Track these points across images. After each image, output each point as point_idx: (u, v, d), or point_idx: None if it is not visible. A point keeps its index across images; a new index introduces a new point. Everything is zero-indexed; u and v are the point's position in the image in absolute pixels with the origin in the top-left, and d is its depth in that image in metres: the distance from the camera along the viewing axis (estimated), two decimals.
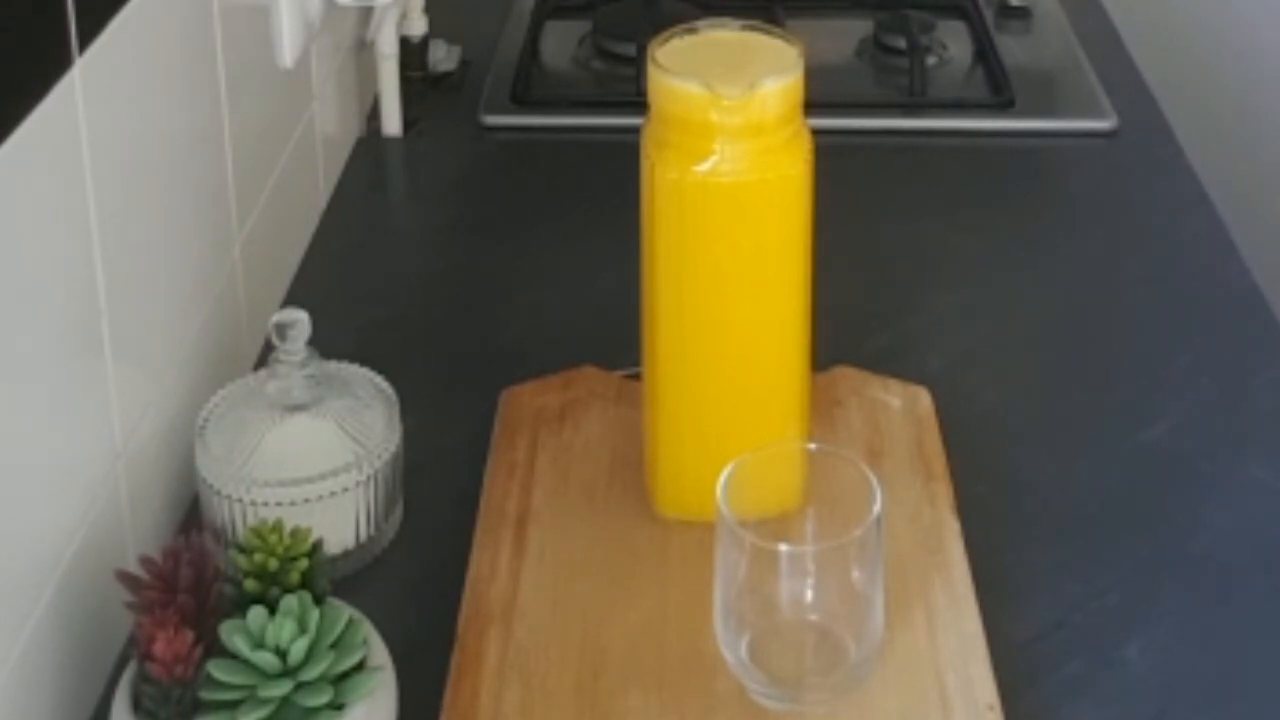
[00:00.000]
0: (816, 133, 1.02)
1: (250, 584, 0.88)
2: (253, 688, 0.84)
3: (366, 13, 1.56)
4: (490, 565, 1.03)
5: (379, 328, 1.31)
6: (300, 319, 1.04)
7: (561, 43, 1.78)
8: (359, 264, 1.41)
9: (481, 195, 1.52)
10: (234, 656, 0.85)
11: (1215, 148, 1.84)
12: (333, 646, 0.87)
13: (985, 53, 1.74)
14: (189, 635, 0.84)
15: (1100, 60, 1.74)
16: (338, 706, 0.86)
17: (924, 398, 1.18)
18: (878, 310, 1.33)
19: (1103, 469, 1.16)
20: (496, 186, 1.54)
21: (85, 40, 0.94)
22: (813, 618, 0.95)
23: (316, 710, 0.85)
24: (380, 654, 0.90)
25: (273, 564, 0.88)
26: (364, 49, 1.58)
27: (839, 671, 0.94)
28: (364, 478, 1.04)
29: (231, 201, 1.21)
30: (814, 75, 1.01)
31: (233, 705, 0.84)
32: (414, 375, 1.18)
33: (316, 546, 0.90)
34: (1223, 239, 1.44)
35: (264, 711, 0.84)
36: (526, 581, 1.02)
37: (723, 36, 1.04)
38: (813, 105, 1.02)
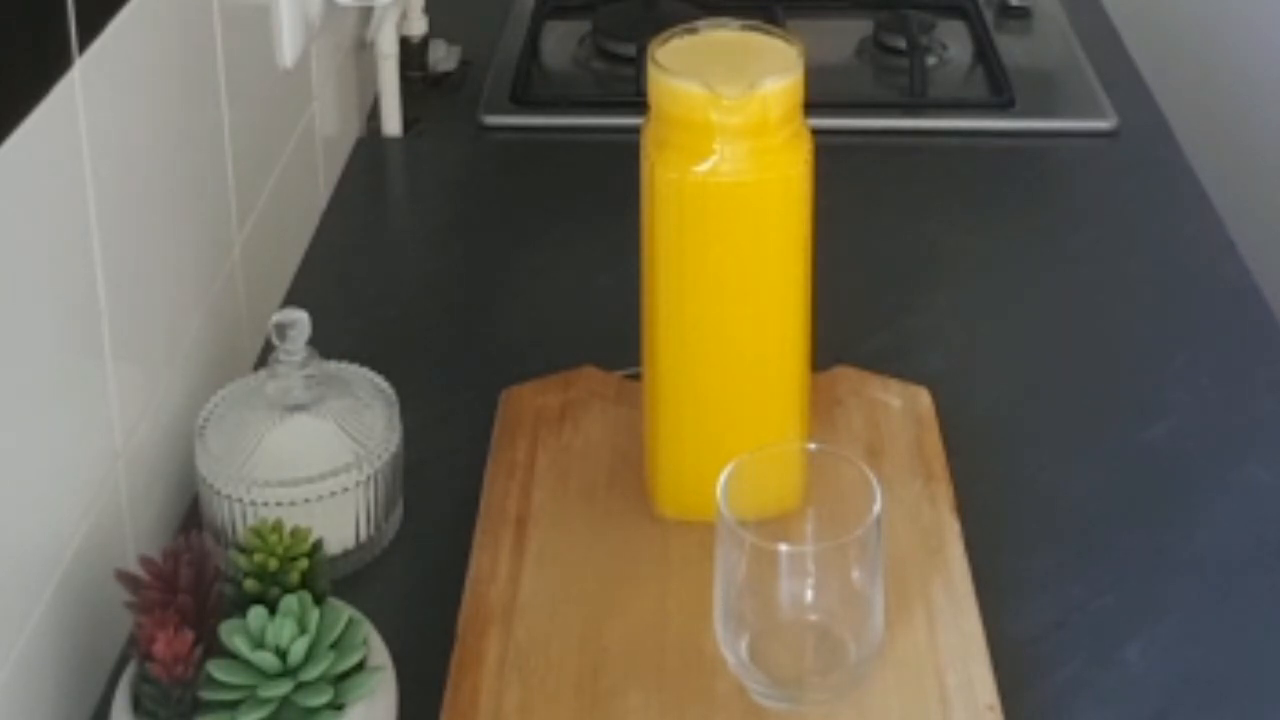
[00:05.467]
0: (816, 133, 1.02)
1: (250, 584, 0.88)
2: (253, 688, 0.84)
3: (366, 13, 1.56)
4: (490, 565, 1.03)
5: (379, 328, 1.31)
6: (300, 319, 1.04)
7: (561, 43, 1.78)
8: (359, 264, 1.41)
9: (481, 195, 1.53)
10: (234, 656, 0.85)
11: (1215, 148, 1.84)
12: (333, 646, 0.87)
13: (985, 53, 1.74)
14: (189, 635, 0.84)
15: (1100, 60, 1.74)
16: (338, 706, 0.86)
17: (924, 398, 1.18)
18: (878, 310, 1.33)
19: (1103, 469, 1.16)
20: (496, 186, 1.54)
21: (85, 40, 0.94)
22: (813, 618, 0.95)
23: (316, 710, 0.85)
24: (380, 654, 0.90)
25: (273, 564, 0.88)
26: (364, 49, 1.58)
27: (839, 671, 0.94)
28: (364, 478, 1.04)
29: (231, 201, 1.21)
30: (814, 75, 1.01)
31: (233, 705, 0.84)
32: (414, 375, 1.18)
33: (316, 546, 0.90)
34: (1223, 239, 1.44)
35: (264, 711, 0.84)
36: (526, 581, 1.02)
37: (723, 36, 1.04)
38: (813, 105, 1.02)
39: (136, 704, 0.87)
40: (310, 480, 1.02)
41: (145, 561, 0.89)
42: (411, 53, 1.66)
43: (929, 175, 1.56)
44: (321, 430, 1.04)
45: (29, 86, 0.87)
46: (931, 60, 1.72)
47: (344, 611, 0.89)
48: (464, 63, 1.72)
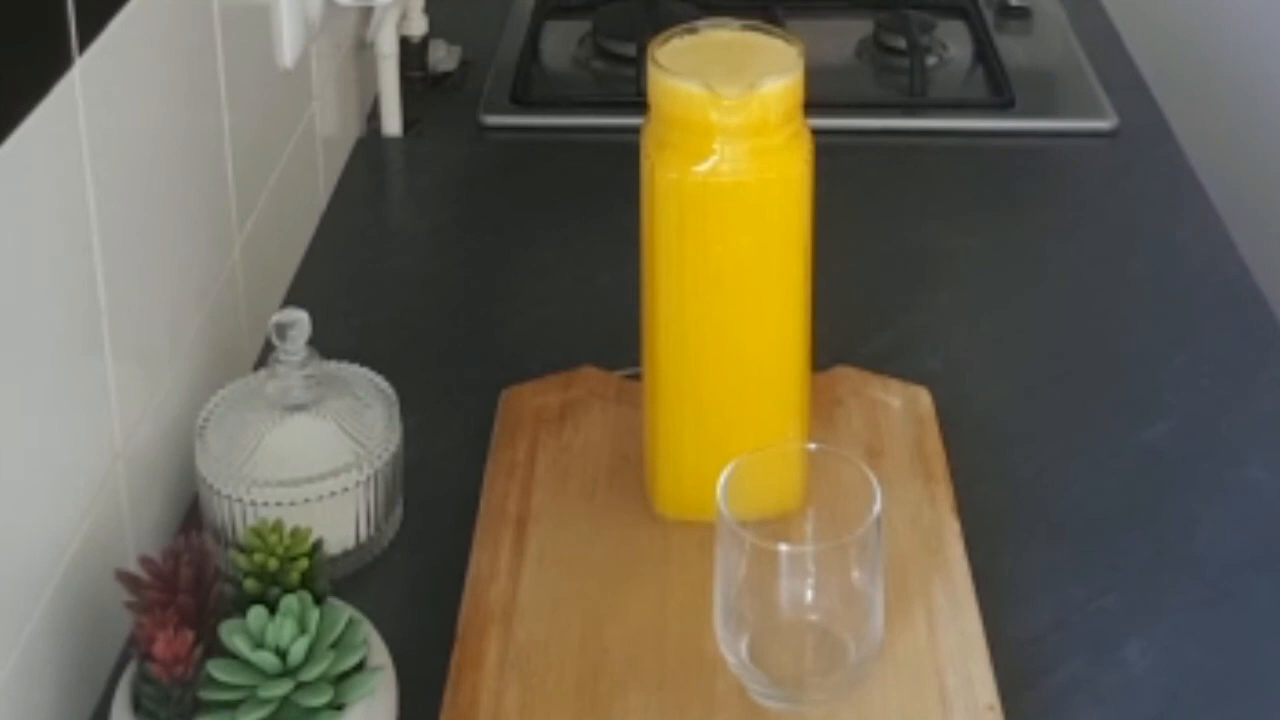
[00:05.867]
0: (816, 133, 1.02)
1: (250, 584, 0.88)
2: (253, 688, 0.84)
3: (366, 13, 1.56)
4: (490, 565, 1.03)
5: (379, 328, 1.31)
6: (300, 319, 1.04)
7: (561, 43, 1.78)
8: (359, 264, 1.41)
9: (481, 195, 1.53)
10: (234, 656, 0.85)
11: (1215, 148, 1.84)
12: (333, 646, 0.87)
13: (985, 53, 1.74)
14: (189, 635, 0.84)
15: (1100, 60, 1.74)
16: (338, 706, 0.86)
17: (924, 398, 1.18)
18: (878, 310, 1.33)
19: (1103, 469, 1.16)
20: (496, 186, 1.54)
21: (85, 40, 0.94)
22: (813, 618, 0.95)
23: (316, 710, 0.85)
24: (380, 654, 0.90)
25: (273, 564, 0.88)
26: (364, 49, 1.58)
27: (839, 671, 0.94)
28: (364, 478, 1.04)
29: (231, 201, 1.21)
30: (814, 75, 1.01)
31: (233, 705, 0.84)
32: (414, 375, 1.18)
33: (316, 546, 0.90)
34: (1223, 239, 1.44)
35: (264, 711, 0.84)
36: (526, 581, 1.02)
37: (723, 36, 1.04)
38: (813, 105, 1.02)
39: (136, 704, 0.87)
40: (310, 480, 1.02)
41: (145, 561, 0.89)
42: (411, 53, 1.66)
43: (929, 175, 1.56)
44: (321, 430, 1.04)
45: (29, 86, 0.87)
46: (931, 60, 1.72)
47: (344, 611, 0.89)
48: (464, 63, 1.72)
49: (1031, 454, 1.17)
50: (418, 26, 1.67)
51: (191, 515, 1.09)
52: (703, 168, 0.99)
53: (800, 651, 0.97)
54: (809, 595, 0.95)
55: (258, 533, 0.90)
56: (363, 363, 1.11)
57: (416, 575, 1.06)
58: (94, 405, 0.98)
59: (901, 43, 1.73)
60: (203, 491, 1.04)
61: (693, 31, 1.03)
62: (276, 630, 0.85)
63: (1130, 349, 1.30)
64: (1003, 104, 1.65)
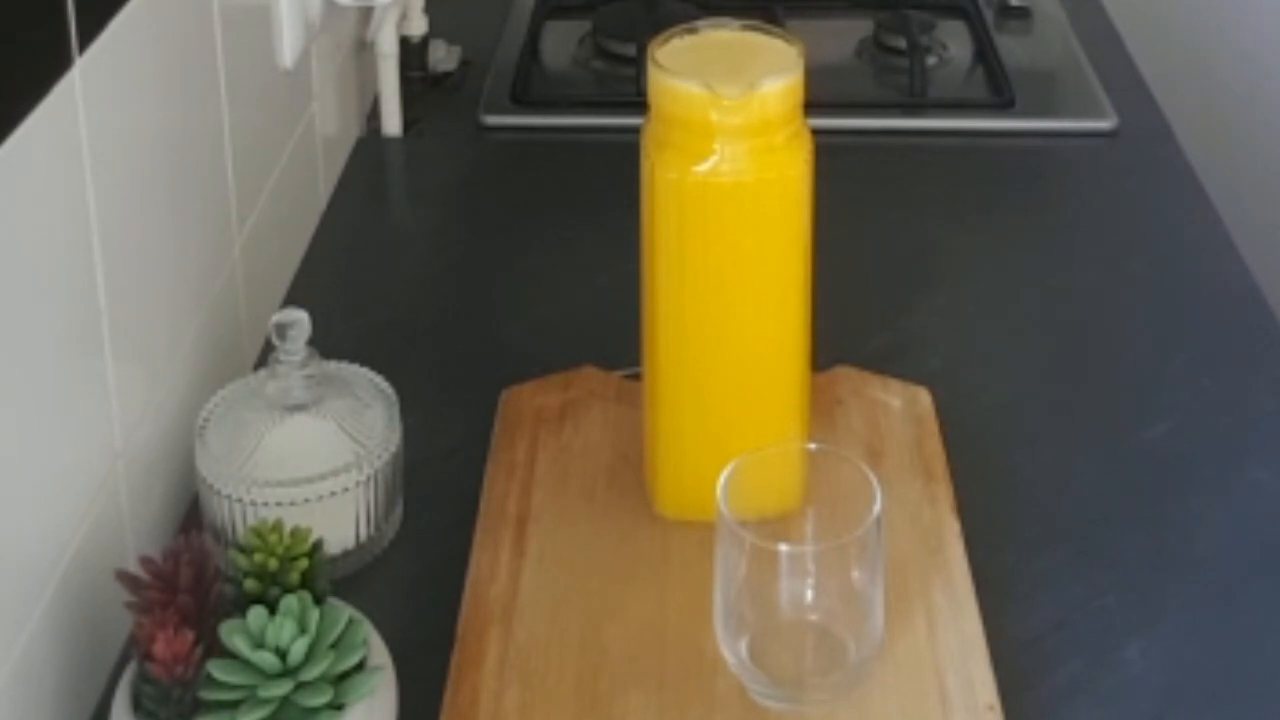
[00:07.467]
0: (816, 133, 1.02)
1: (250, 584, 0.88)
2: (253, 688, 0.84)
3: (366, 13, 1.56)
4: (490, 565, 1.03)
5: (379, 328, 1.31)
6: (300, 319, 1.04)
7: (561, 43, 1.78)
8: (359, 264, 1.41)
9: (481, 195, 1.53)
10: (234, 656, 0.85)
11: (1215, 148, 1.84)
12: (333, 646, 0.87)
13: (985, 53, 1.74)
14: (189, 635, 0.84)
15: (1100, 60, 1.74)
16: (338, 706, 0.86)
17: (924, 398, 1.18)
18: (878, 310, 1.33)
19: (1103, 469, 1.16)
20: (496, 186, 1.54)
21: (85, 40, 0.94)
22: (813, 618, 0.95)
23: (316, 710, 0.85)
24: (380, 654, 0.90)
25: (273, 564, 0.88)
26: (364, 49, 1.59)
27: (839, 671, 0.94)
28: (364, 478, 1.04)
29: (231, 201, 1.21)
30: (814, 75, 1.01)
31: (233, 705, 0.84)
32: (414, 375, 1.18)
33: (316, 546, 0.91)
34: (1223, 239, 1.44)
35: (264, 711, 0.84)
36: (526, 581, 1.02)
37: (723, 36, 1.04)
38: (813, 105, 1.02)
39: (136, 704, 0.87)
40: (310, 480, 1.02)
41: (145, 561, 0.89)
42: (411, 53, 1.66)
43: (929, 175, 1.56)
44: (321, 430, 1.04)
45: (29, 86, 0.87)
46: (931, 60, 1.72)
47: (344, 611, 0.89)
48: (464, 63, 1.72)
49: (1032, 454, 1.17)
50: (418, 26, 1.67)
51: (191, 515, 1.09)
52: (703, 168, 0.99)
53: (800, 651, 0.97)
54: (809, 595, 0.95)
55: (258, 533, 0.90)
56: (363, 363, 1.11)
57: (416, 575, 1.06)
58: (94, 405, 0.98)
59: (901, 43, 1.73)
60: (203, 491, 1.04)
61: (693, 31, 1.03)
62: (276, 630, 0.85)
63: (1130, 349, 1.30)
64: (1003, 104, 1.65)
